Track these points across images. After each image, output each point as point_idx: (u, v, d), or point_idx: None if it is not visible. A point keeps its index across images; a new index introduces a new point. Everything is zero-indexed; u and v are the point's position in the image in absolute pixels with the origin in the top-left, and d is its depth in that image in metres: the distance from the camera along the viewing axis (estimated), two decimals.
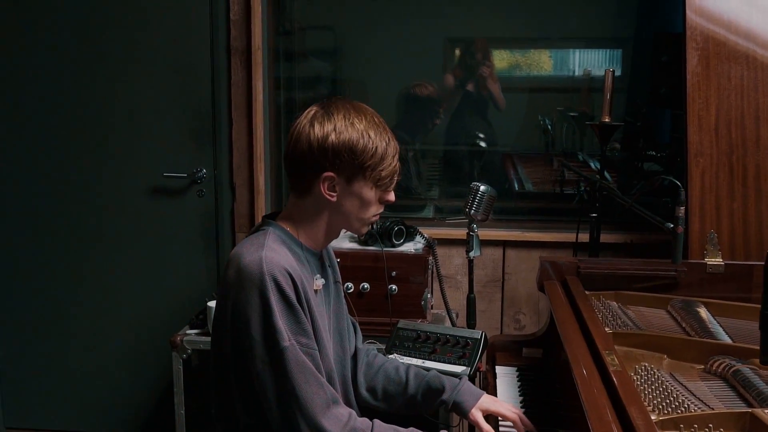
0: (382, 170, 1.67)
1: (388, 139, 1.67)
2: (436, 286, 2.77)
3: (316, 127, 1.62)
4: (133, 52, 3.17)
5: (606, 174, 3.27)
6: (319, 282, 1.73)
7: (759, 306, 2.01)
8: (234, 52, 3.07)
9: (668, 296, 2.25)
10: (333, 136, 1.61)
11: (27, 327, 3.38)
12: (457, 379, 1.93)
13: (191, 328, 2.67)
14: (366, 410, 1.90)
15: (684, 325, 2.06)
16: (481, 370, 2.37)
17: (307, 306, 1.63)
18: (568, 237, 2.90)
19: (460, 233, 2.81)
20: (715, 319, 2.08)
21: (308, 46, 3.48)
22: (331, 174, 1.63)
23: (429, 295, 2.85)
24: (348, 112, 1.64)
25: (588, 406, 1.47)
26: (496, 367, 2.30)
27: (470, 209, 2.32)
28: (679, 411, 1.53)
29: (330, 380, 1.70)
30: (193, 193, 3.20)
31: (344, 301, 1.96)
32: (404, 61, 3.42)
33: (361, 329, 2.50)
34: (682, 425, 1.47)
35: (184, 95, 3.16)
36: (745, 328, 2.04)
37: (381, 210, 1.75)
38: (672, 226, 1.98)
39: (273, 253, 1.59)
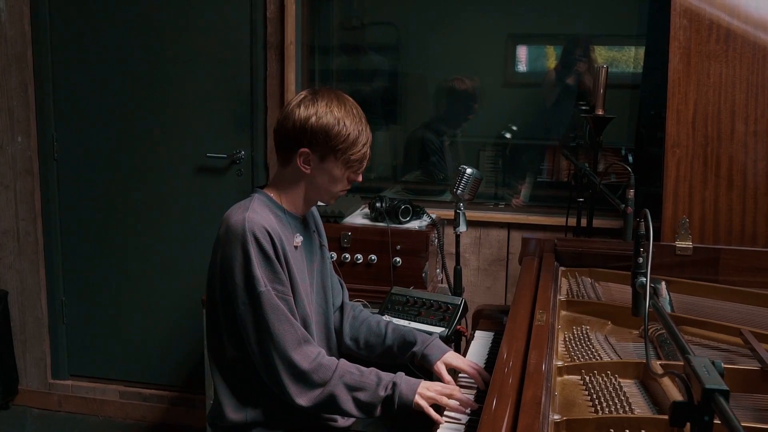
0: (352, 154, 1.93)
1: (361, 129, 1.93)
2: (448, 263, 3.03)
3: (302, 109, 1.90)
4: (183, 47, 3.49)
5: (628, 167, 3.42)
6: (298, 239, 2.03)
7: (718, 285, 2.27)
8: (269, 47, 3.35)
9: None
10: (313, 119, 1.89)
11: (91, 287, 3.77)
12: (429, 336, 2.20)
13: None
14: (349, 357, 2.12)
15: None
16: (465, 334, 2.64)
17: (285, 259, 1.91)
18: (570, 221, 3.10)
19: (471, 215, 2.97)
20: (670, 295, 2.28)
21: (365, 41, 3.66)
22: (306, 150, 1.92)
23: (438, 270, 3.12)
24: (331, 100, 1.91)
25: (503, 349, 1.74)
26: (476, 331, 2.55)
27: (457, 189, 2.59)
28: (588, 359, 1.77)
29: (305, 324, 1.97)
30: (233, 172, 3.51)
31: (329, 262, 2.26)
32: (465, 57, 3.56)
33: (366, 296, 2.82)
34: (583, 370, 1.71)
35: (226, 85, 3.47)
36: (692, 302, 2.22)
37: (348, 187, 2.02)
38: (624, 206, 2.20)
39: (255, 215, 1.89)
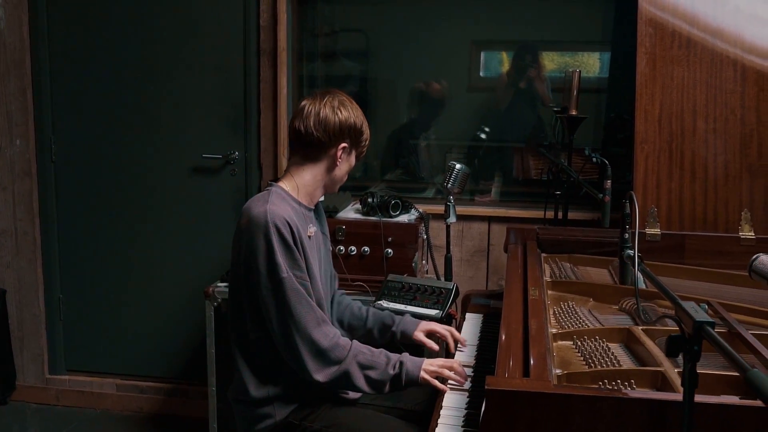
0: (366, 144, 2.26)
1: (368, 123, 2.25)
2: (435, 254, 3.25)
3: (342, 111, 2.16)
4: (179, 53, 3.66)
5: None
6: (312, 229, 2.24)
7: (685, 266, 2.52)
8: (262, 53, 3.53)
9: (612, 259, 2.69)
10: (352, 119, 2.18)
11: (89, 283, 3.91)
12: (400, 315, 2.45)
13: (221, 282, 3.14)
14: None
15: (615, 278, 2.51)
16: (455, 317, 2.86)
17: (302, 247, 2.11)
18: (547, 214, 3.34)
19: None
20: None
21: (339, 48, 3.85)
22: (346, 144, 2.19)
23: (424, 261, 3.34)
24: (351, 102, 2.21)
25: (504, 316, 1.97)
26: (467, 314, 2.77)
27: (447, 183, 2.81)
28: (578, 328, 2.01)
29: (320, 306, 2.15)
30: (227, 172, 3.68)
31: (329, 250, 2.47)
32: (431, 62, 3.79)
33: (361, 285, 3.04)
34: (575, 336, 1.94)
35: (221, 90, 3.64)
36: (662, 281, 2.47)
37: None
38: (602, 195, 2.45)
39: (275, 207, 2.07)
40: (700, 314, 1.13)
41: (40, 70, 3.74)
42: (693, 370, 1.15)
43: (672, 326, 1.94)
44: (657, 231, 2.75)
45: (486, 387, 1.41)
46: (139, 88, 3.73)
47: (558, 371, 1.67)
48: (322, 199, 2.42)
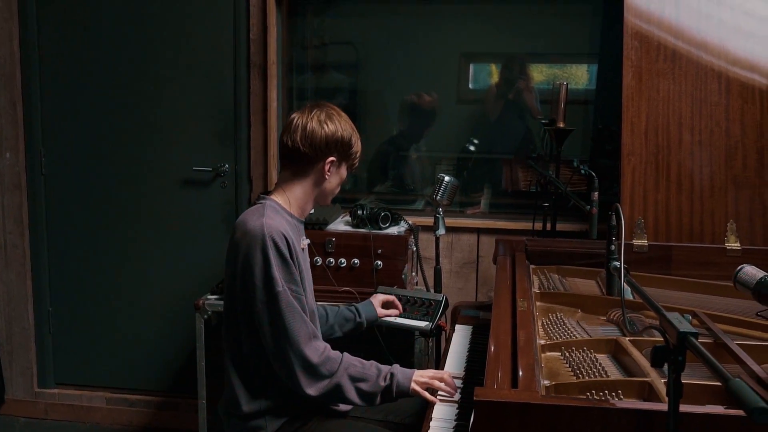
0: (356, 157, 2.26)
1: (358, 135, 2.25)
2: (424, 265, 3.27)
3: (329, 125, 2.16)
4: (169, 66, 3.67)
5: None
6: (305, 242, 2.25)
7: (672, 277, 2.55)
8: (253, 66, 3.55)
9: (600, 270, 2.71)
10: (339, 132, 2.18)
11: (78, 296, 3.90)
12: (356, 305, 2.58)
13: (211, 294, 3.15)
14: None
15: (603, 289, 2.53)
16: (445, 328, 2.88)
17: (297, 261, 2.13)
18: (536, 225, 3.36)
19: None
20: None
21: (329, 60, 3.88)
22: (333, 158, 2.19)
23: (414, 273, 3.35)
24: (340, 114, 2.21)
25: (493, 328, 1.98)
26: (456, 325, 2.79)
27: (437, 195, 2.83)
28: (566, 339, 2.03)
29: (312, 319, 2.18)
30: (217, 185, 3.70)
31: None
32: (421, 75, 3.82)
33: (351, 297, 3.05)
34: (563, 347, 1.96)
35: (211, 102, 3.66)
36: (649, 292, 2.49)
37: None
38: (589, 207, 2.47)
39: (271, 220, 2.09)
40: (684, 325, 1.15)
41: (30, 83, 3.75)
42: (678, 380, 1.16)
43: (659, 337, 1.97)
44: (644, 242, 2.78)
45: (475, 398, 1.43)
46: (129, 101, 3.74)
47: (546, 382, 1.69)
48: (312, 211, 2.45)
